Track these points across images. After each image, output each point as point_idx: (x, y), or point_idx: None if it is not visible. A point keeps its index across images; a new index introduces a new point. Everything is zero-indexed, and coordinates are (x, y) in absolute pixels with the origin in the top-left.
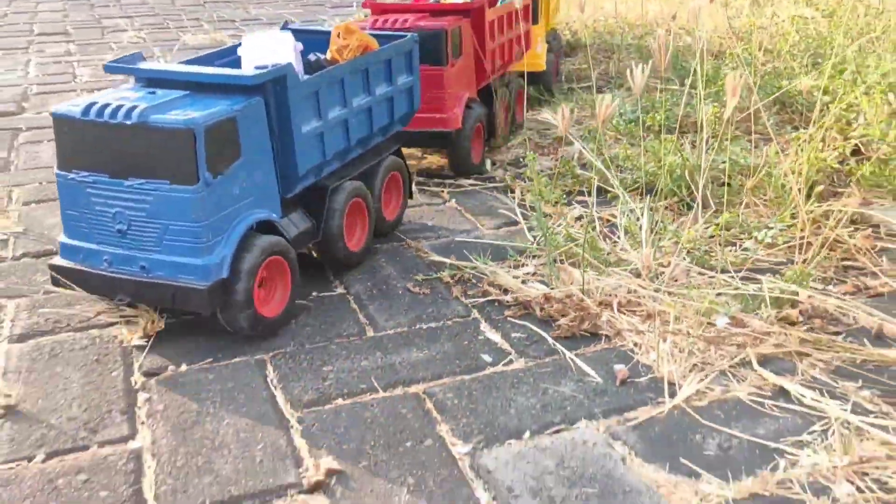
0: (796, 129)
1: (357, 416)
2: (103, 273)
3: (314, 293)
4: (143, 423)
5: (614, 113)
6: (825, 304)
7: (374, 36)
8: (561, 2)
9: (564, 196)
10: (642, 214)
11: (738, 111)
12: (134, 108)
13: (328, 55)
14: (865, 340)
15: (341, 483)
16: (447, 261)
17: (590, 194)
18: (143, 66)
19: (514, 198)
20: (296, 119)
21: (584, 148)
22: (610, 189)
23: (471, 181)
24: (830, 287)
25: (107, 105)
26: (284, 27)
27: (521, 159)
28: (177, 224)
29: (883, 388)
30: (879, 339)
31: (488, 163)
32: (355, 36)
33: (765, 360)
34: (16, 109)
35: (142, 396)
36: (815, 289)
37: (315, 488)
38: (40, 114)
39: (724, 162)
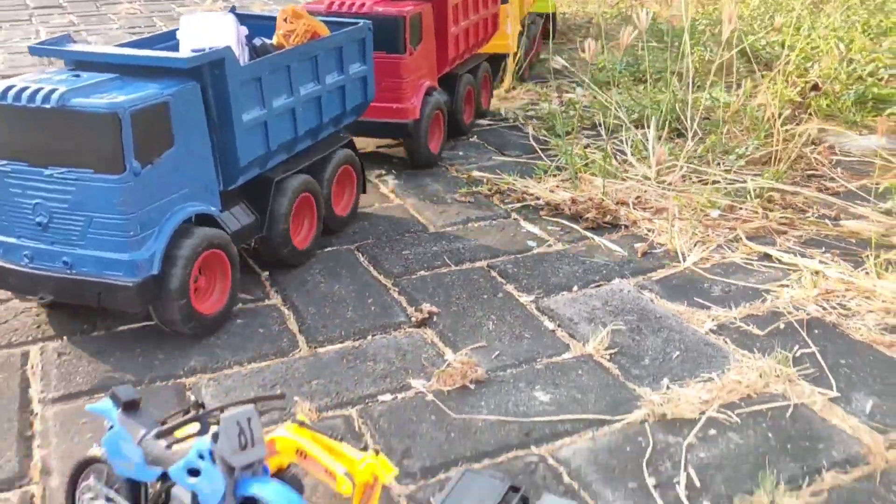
0: (763, 75)
1: (439, 281)
2: (23, 269)
3: (375, 203)
4: (270, 289)
5: (631, 43)
6: (796, 199)
7: (328, 22)
8: None
9: (578, 125)
10: (644, 139)
11: (710, 62)
12: (54, 90)
13: (274, 40)
14: (827, 222)
15: (440, 320)
16: (484, 176)
17: (599, 125)
18: (71, 48)
19: (528, 133)
20: (236, 106)
21: (591, 86)
22: (613, 122)
23: (487, 121)
24: (799, 188)
25: (25, 88)
26: (232, 10)
27: (528, 105)
28: (102, 216)
29: (840, 250)
30: (836, 220)
31: (503, 109)
32: (302, 21)
33: (751, 237)
34: None
35: (263, 274)
36: (788, 189)
37: (422, 324)
38: None
39: (707, 99)
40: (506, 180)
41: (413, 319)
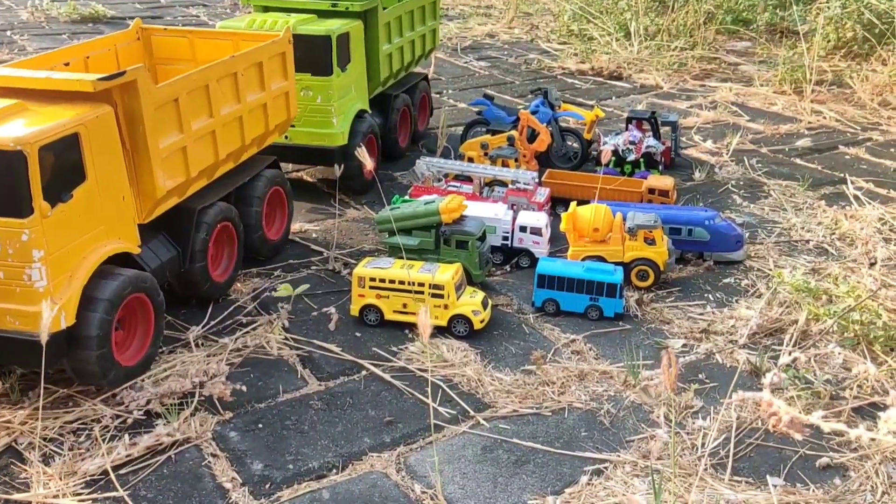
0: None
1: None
2: None
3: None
4: None
5: None
6: (711, 63)
7: None
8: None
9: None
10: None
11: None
12: None
13: None
14: (730, 71)
15: None
16: (535, 58)
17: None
18: None
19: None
20: None
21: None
22: (602, 35)
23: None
24: (712, 56)
25: None
26: None
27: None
28: None
29: (737, 78)
30: (734, 71)
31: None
32: None
33: (693, 78)
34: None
35: None
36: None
37: None
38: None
39: (651, 21)
40: (545, 61)
41: None
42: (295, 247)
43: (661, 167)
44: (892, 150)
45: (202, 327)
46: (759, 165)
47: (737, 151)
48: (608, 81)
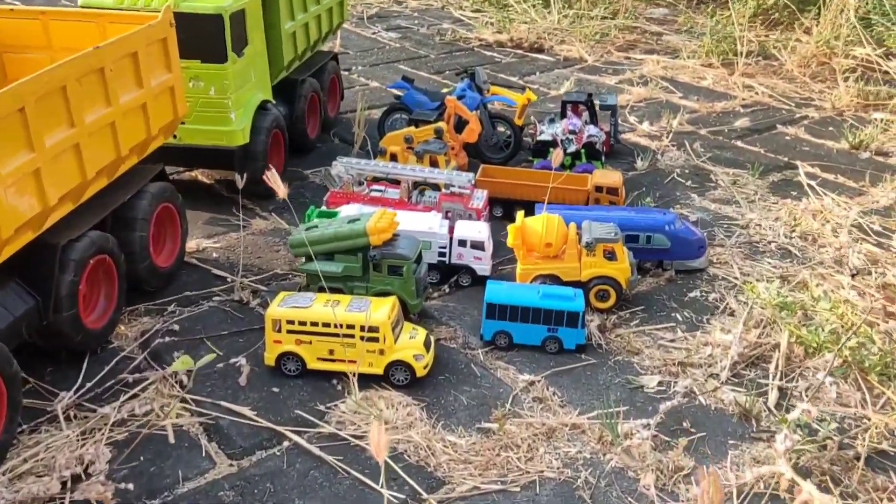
0: None
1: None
2: None
3: None
4: None
5: None
6: (632, 34)
7: None
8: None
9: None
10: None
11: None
12: None
13: None
14: (653, 43)
15: None
16: (448, 29)
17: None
18: None
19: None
20: None
21: None
22: (519, 2)
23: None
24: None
25: None
26: None
27: None
28: None
29: (661, 49)
30: (657, 41)
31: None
32: None
33: (617, 49)
34: None
35: None
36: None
37: None
38: None
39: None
40: (459, 31)
41: None
42: (192, 271)
43: (603, 158)
44: (831, 128)
45: (75, 392)
46: (702, 150)
47: (676, 134)
48: (529, 54)
